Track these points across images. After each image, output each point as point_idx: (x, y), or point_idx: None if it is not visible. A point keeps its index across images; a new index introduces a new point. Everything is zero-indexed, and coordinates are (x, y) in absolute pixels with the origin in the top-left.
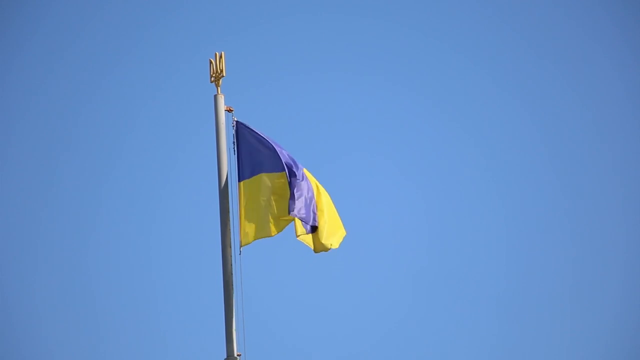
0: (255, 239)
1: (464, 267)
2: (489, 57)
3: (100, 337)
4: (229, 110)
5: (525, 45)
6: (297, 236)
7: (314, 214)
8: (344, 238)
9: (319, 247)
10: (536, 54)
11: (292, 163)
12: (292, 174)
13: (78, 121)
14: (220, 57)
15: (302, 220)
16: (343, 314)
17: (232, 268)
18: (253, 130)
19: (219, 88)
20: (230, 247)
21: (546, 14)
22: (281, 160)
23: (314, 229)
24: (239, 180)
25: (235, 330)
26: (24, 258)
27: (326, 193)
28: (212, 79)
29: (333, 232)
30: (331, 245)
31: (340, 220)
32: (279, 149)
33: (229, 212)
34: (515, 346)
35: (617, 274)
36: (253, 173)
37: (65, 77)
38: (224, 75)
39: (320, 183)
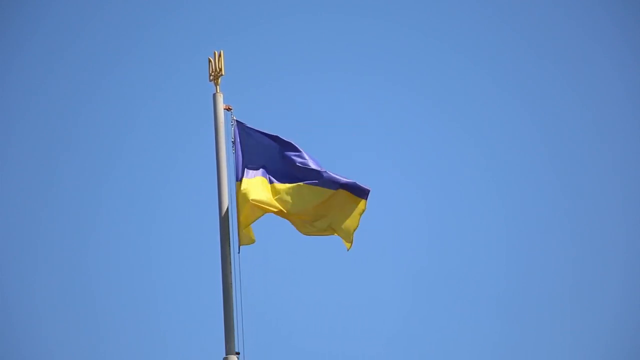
0: (252, 241)
1: (464, 267)
2: (489, 57)
3: (100, 337)
4: (227, 109)
5: (525, 45)
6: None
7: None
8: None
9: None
10: (536, 54)
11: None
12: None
13: (78, 120)
14: (220, 55)
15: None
16: (342, 314)
17: (231, 267)
18: (256, 131)
19: (218, 87)
20: (230, 246)
21: (546, 14)
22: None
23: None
24: (237, 180)
25: (234, 329)
26: (24, 258)
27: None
28: (211, 77)
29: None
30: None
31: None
32: (289, 154)
33: (228, 210)
34: (516, 346)
35: (617, 274)
36: (254, 175)
37: (64, 76)
38: (223, 74)
39: None
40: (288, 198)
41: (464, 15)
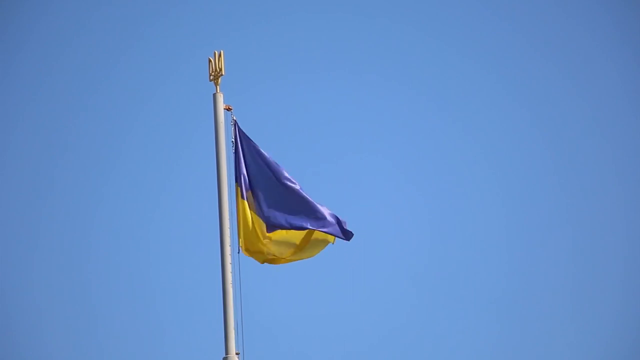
0: (253, 256)
1: (465, 268)
2: (490, 57)
3: (100, 337)
4: (228, 109)
5: (526, 44)
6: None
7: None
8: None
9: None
10: (537, 54)
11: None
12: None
13: (77, 120)
14: (220, 55)
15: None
16: (342, 315)
17: (231, 267)
18: (252, 147)
19: (218, 87)
20: (229, 245)
21: (547, 13)
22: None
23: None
24: (236, 181)
25: (234, 329)
26: (24, 258)
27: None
28: (211, 77)
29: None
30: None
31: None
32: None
33: (228, 210)
34: (516, 347)
35: (617, 274)
36: (251, 190)
37: (64, 76)
38: (223, 73)
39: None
40: (275, 247)
41: (464, 15)
